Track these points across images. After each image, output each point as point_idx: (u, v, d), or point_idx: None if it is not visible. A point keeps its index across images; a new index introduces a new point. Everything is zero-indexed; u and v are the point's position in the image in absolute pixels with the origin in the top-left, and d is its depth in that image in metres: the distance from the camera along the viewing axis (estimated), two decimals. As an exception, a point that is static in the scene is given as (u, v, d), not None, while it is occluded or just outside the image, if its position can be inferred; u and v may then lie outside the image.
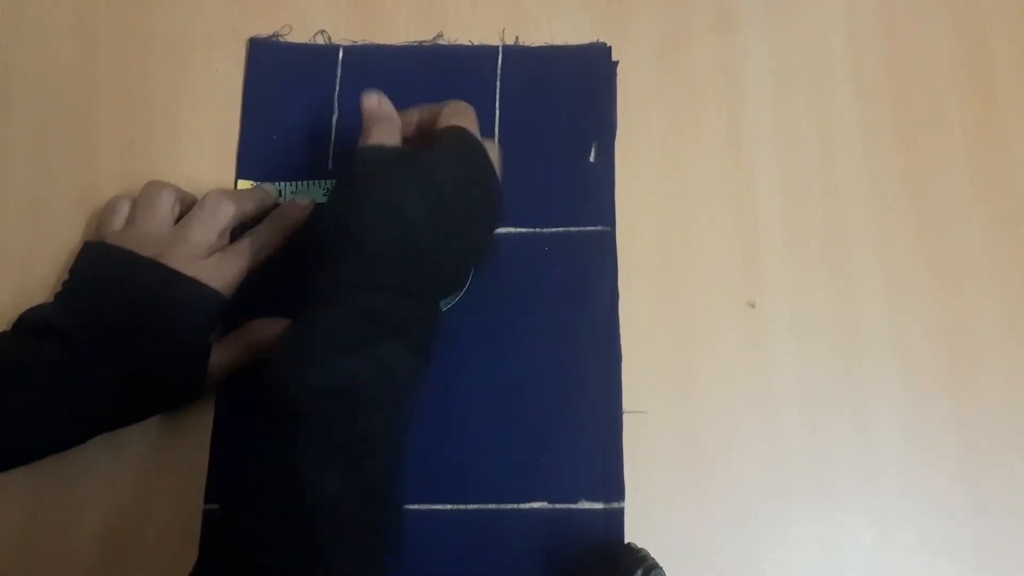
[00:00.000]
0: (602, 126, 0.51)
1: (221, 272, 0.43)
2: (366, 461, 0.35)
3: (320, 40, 0.53)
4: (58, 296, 0.43)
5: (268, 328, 0.44)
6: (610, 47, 0.53)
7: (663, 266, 0.50)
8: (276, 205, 0.48)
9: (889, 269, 0.50)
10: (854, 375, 0.48)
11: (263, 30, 0.53)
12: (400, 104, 0.51)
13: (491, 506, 0.45)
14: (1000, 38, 0.54)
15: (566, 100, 0.52)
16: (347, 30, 0.53)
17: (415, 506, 0.45)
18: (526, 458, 0.46)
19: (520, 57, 0.52)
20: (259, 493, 0.35)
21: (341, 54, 0.52)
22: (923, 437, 0.47)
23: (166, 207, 0.45)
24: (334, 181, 0.49)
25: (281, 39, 0.53)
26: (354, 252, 0.39)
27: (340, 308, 0.38)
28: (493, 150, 0.45)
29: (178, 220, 0.45)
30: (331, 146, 0.51)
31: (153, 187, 0.46)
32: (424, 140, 0.44)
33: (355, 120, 0.50)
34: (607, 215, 0.50)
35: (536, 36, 0.53)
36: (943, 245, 0.50)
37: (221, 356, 0.44)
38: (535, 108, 0.52)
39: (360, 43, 0.53)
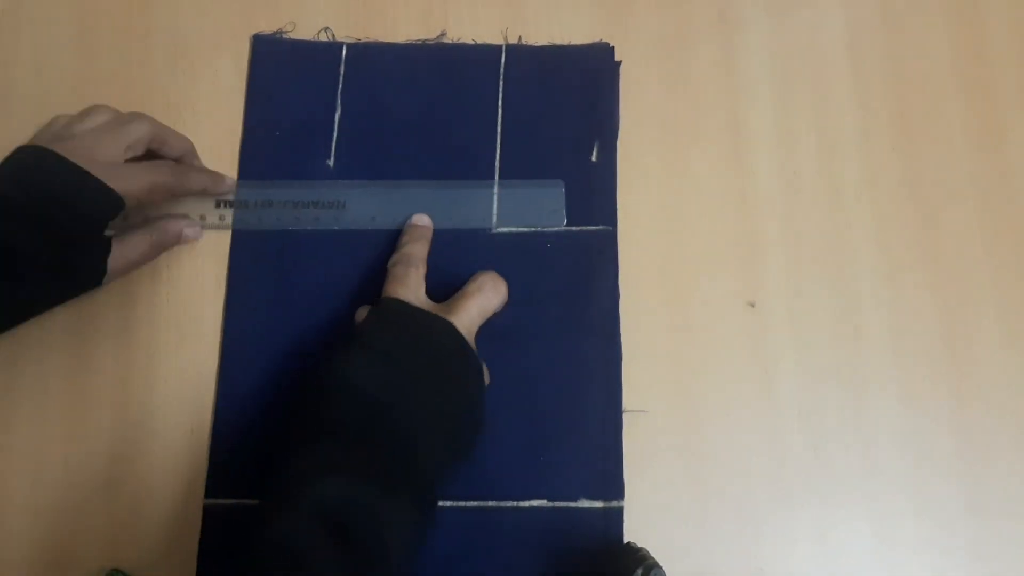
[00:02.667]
0: (604, 126, 0.51)
1: (126, 181, 0.43)
2: None
3: (323, 37, 0.53)
4: None
5: (174, 227, 0.47)
6: (613, 47, 0.53)
7: (664, 266, 0.50)
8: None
9: (889, 269, 0.50)
10: (854, 375, 0.48)
11: (267, 27, 0.53)
12: (402, 103, 0.51)
13: (491, 504, 0.45)
14: (999, 38, 0.54)
15: (569, 99, 0.52)
16: (350, 27, 0.53)
17: (415, 503, 0.45)
18: (526, 456, 0.46)
19: (523, 56, 0.53)
20: None
21: (344, 51, 0.52)
22: (922, 437, 0.47)
23: (96, 118, 0.45)
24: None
25: (285, 36, 0.53)
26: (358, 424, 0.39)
27: (339, 476, 0.37)
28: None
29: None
30: (333, 143, 0.51)
31: (93, 106, 0.47)
32: None
33: (358, 118, 0.51)
34: (608, 214, 0.50)
35: (539, 35, 0.53)
36: (942, 245, 0.50)
37: (126, 250, 0.44)
38: (537, 107, 0.52)
39: (363, 41, 0.53)
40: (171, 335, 0.47)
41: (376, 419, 0.39)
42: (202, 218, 0.49)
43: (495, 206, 0.50)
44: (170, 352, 0.47)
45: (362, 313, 0.44)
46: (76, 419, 0.46)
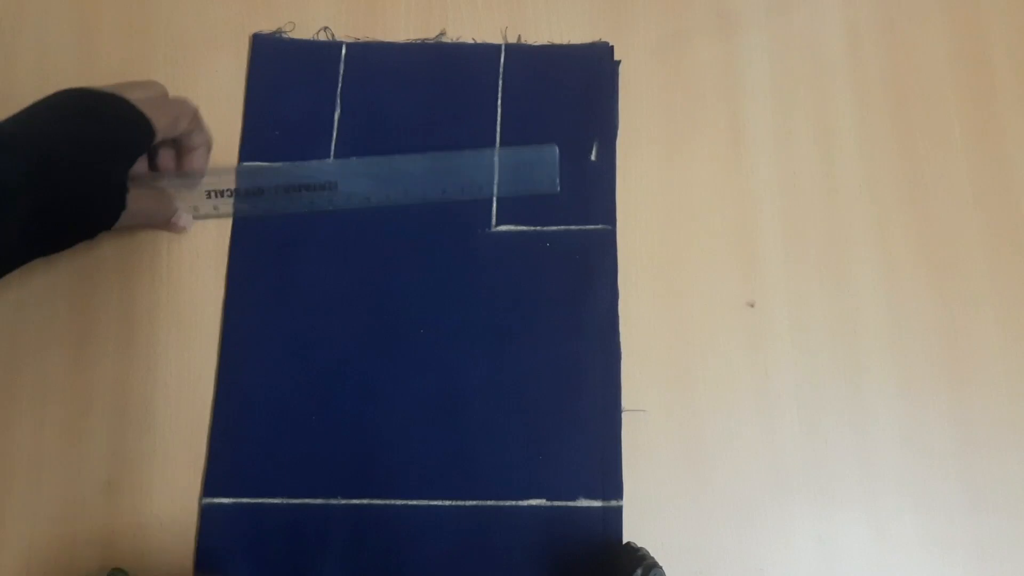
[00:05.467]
0: (604, 125, 0.51)
1: (162, 114, 0.44)
2: None
3: (323, 37, 0.53)
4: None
5: (174, 206, 0.48)
6: (612, 46, 0.53)
7: (663, 265, 0.50)
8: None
9: (888, 269, 0.50)
10: (853, 375, 0.48)
11: (266, 26, 0.53)
12: (402, 102, 0.51)
13: (490, 503, 0.45)
14: (999, 41, 0.54)
15: (568, 99, 0.52)
16: (350, 27, 0.53)
17: (414, 502, 0.45)
18: (525, 455, 0.46)
19: (522, 56, 0.53)
20: None
21: (344, 51, 0.52)
22: (921, 436, 0.47)
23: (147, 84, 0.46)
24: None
25: (284, 35, 0.53)
26: None
27: None
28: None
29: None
30: (333, 143, 0.51)
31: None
32: None
33: (357, 117, 0.51)
34: (608, 214, 0.50)
35: (538, 35, 0.53)
36: (942, 245, 0.50)
37: (139, 201, 0.44)
38: (537, 107, 0.52)
39: (363, 40, 0.53)
40: (170, 334, 0.47)
41: None
42: (195, 209, 0.49)
43: (495, 174, 0.50)
44: (169, 351, 0.47)
45: None
46: (75, 418, 0.46)
